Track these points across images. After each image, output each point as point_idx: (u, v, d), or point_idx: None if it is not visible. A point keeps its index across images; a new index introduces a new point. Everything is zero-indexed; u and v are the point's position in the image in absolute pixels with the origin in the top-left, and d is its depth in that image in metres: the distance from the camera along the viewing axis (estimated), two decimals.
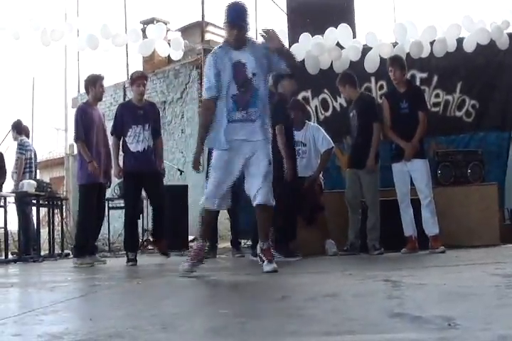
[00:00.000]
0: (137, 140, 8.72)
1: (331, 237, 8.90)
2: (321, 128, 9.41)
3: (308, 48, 10.91)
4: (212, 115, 6.23)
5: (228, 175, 6.15)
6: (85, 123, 8.75)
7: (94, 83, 9.04)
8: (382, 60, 10.79)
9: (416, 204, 8.49)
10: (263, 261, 6.13)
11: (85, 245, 8.83)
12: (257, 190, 6.09)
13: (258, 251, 6.32)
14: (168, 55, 13.28)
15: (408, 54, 10.70)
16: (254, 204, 6.16)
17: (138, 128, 8.74)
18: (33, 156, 11.53)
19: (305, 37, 10.97)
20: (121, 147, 8.86)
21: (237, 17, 6.21)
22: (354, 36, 11.05)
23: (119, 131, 8.84)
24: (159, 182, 9.06)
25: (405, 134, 8.45)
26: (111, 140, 9.04)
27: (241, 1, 6.30)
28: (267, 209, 6.19)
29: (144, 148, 8.73)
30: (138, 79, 8.99)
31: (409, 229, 8.50)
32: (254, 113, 6.17)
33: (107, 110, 16.99)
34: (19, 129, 11.59)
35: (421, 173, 8.42)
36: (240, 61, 6.18)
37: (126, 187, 9.18)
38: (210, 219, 6.48)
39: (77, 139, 8.71)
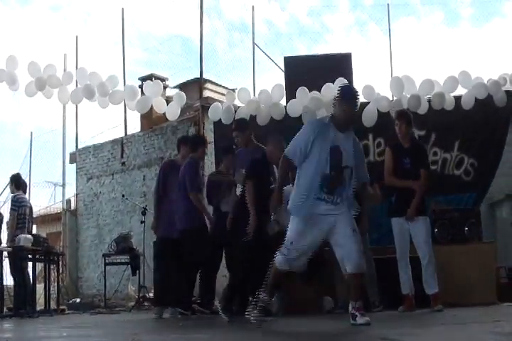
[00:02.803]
0: None
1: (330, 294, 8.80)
2: None
3: (305, 103, 10.98)
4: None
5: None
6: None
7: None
8: (380, 114, 10.87)
9: (415, 261, 8.41)
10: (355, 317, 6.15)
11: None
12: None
13: (350, 308, 6.28)
14: None
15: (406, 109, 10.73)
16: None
17: None
18: (27, 212, 11.46)
19: (302, 91, 11.04)
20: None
21: (354, 97, 6.33)
22: None
23: None
24: None
25: (404, 190, 8.40)
26: None
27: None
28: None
29: None
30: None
31: (406, 288, 8.40)
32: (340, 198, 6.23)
33: (104, 166, 17.07)
34: (18, 183, 11.59)
35: (421, 230, 8.34)
36: (339, 147, 6.21)
37: None
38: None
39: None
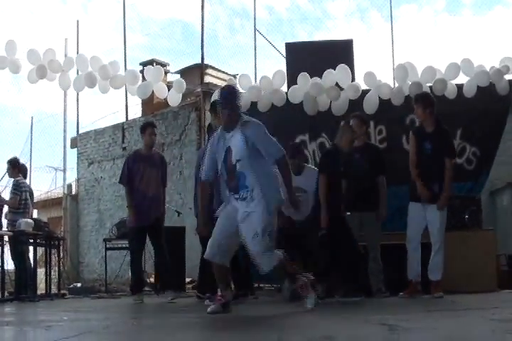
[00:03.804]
0: None
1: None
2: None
3: (306, 89, 10.95)
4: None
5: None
6: None
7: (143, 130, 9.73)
8: (381, 101, 10.84)
9: (424, 248, 8.39)
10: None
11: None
12: None
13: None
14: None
15: (409, 97, 10.69)
16: None
17: None
18: (28, 197, 11.46)
19: (303, 77, 11.00)
20: None
21: (225, 99, 6.54)
22: (353, 79, 11.03)
23: None
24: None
25: (424, 176, 8.34)
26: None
27: (231, 85, 7.07)
28: None
29: None
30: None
31: (412, 273, 8.39)
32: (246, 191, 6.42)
33: (105, 151, 17.07)
34: (15, 166, 11.54)
35: (436, 218, 8.27)
36: (230, 147, 6.46)
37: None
38: None
39: None
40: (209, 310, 6.40)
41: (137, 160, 9.50)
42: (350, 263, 8.05)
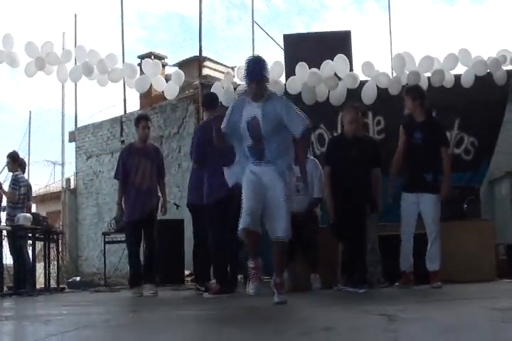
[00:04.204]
0: None
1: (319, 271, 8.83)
2: (319, 165, 9.27)
3: (304, 80, 10.93)
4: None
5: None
6: None
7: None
8: (379, 91, 10.82)
9: (418, 238, 8.40)
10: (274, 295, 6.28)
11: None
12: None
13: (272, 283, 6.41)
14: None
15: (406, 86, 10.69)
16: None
17: None
18: (27, 191, 11.45)
19: (301, 67, 10.98)
20: None
21: (254, 70, 6.43)
22: (351, 70, 11.01)
23: None
24: None
25: (416, 165, 8.39)
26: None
27: (259, 55, 6.71)
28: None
29: None
30: None
31: (405, 264, 8.40)
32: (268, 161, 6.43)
33: (104, 144, 17.06)
34: (15, 160, 11.52)
35: (430, 207, 8.31)
36: (255, 116, 6.38)
37: None
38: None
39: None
40: (251, 291, 6.38)
41: (132, 152, 9.51)
42: (359, 253, 8.06)
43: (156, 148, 9.96)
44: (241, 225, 6.25)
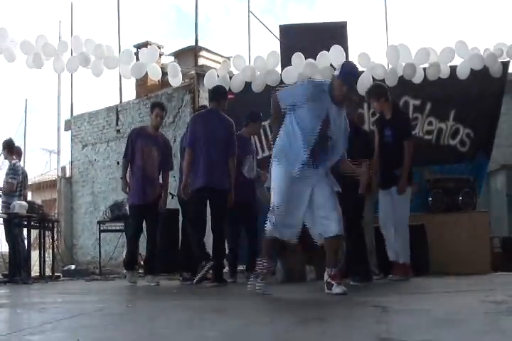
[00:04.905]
0: None
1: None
2: None
3: (300, 70, 10.93)
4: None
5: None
6: None
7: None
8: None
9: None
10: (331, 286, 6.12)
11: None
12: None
13: (325, 277, 6.26)
14: (161, 79, 13.37)
15: (402, 79, 10.69)
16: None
17: None
18: (23, 179, 11.39)
19: (297, 57, 10.97)
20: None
21: (351, 74, 6.36)
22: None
23: None
24: None
25: (388, 163, 8.39)
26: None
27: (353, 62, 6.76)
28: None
29: None
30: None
31: (392, 255, 8.44)
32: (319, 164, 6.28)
33: (99, 133, 17.04)
34: (10, 148, 11.42)
35: (397, 201, 8.34)
36: (329, 117, 6.23)
37: None
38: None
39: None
40: (260, 290, 6.26)
41: (141, 134, 9.24)
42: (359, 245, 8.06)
43: (166, 139, 9.64)
44: (280, 236, 6.22)
